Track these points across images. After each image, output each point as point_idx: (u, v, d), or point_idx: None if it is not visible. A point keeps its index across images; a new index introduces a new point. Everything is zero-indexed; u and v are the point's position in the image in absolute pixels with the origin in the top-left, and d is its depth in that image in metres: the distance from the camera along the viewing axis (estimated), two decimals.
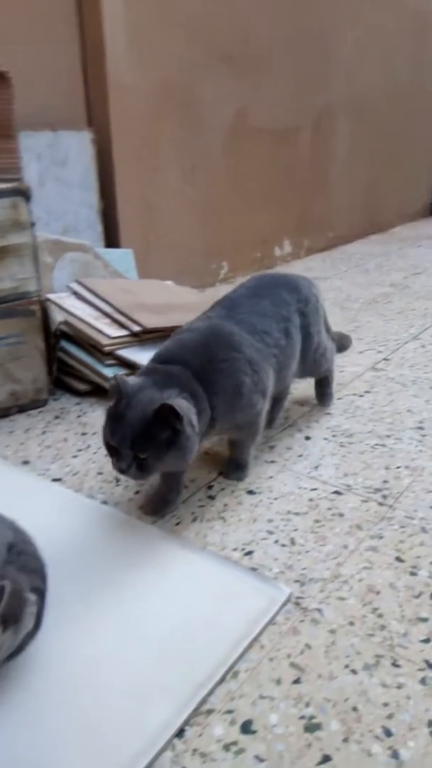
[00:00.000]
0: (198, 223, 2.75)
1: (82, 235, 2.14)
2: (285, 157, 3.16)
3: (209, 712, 0.76)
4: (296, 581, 0.97)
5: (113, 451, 1.01)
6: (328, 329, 1.52)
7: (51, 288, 1.91)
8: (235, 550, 1.05)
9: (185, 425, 1.00)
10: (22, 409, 1.63)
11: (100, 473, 1.31)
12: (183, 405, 1.01)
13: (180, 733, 0.74)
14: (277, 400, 1.46)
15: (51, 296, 1.82)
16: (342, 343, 1.66)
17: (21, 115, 1.55)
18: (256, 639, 0.86)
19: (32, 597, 0.79)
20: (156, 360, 1.15)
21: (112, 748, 0.71)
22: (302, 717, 0.75)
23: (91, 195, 2.17)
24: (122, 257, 2.24)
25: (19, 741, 0.73)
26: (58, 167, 2.04)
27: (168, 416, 0.97)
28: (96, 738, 0.73)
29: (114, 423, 1.01)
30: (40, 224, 1.59)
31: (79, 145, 2.09)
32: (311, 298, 1.41)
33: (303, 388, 1.64)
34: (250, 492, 1.22)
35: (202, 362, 1.11)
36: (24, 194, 1.55)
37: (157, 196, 2.51)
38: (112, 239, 2.29)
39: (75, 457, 1.39)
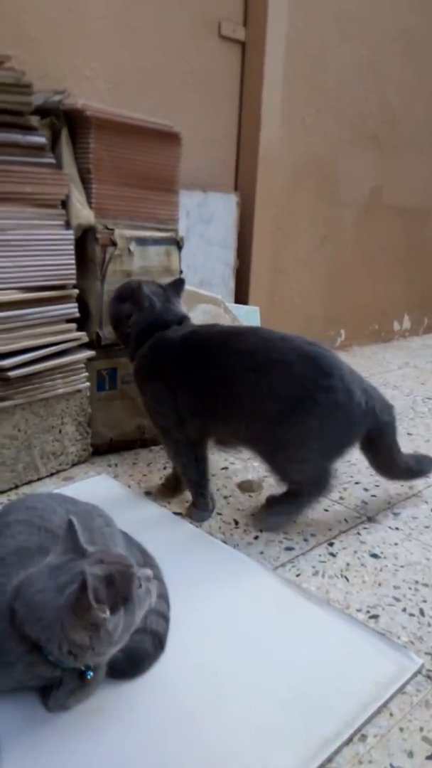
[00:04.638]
0: (321, 291, 2.81)
1: (215, 289, 2.24)
2: (414, 237, 3.19)
3: None
4: (427, 654, 0.91)
5: None
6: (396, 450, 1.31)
7: None
8: (359, 611, 1.02)
9: None
10: (145, 443, 1.68)
11: (219, 513, 1.32)
12: None
13: None
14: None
15: None
16: (420, 467, 1.39)
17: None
18: (384, 705, 0.82)
19: (143, 572, 0.77)
20: None
21: None
22: None
23: (229, 254, 2.29)
24: (249, 313, 2.31)
25: (141, 759, 0.72)
26: (203, 225, 2.17)
27: None
28: None
29: None
30: None
31: (224, 207, 2.22)
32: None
33: None
34: (374, 555, 1.18)
35: None
36: (177, 244, 1.67)
37: (286, 263, 2.61)
38: (241, 296, 2.38)
39: None
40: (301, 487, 1.26)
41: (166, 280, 1.64)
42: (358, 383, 1.22)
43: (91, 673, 0.77)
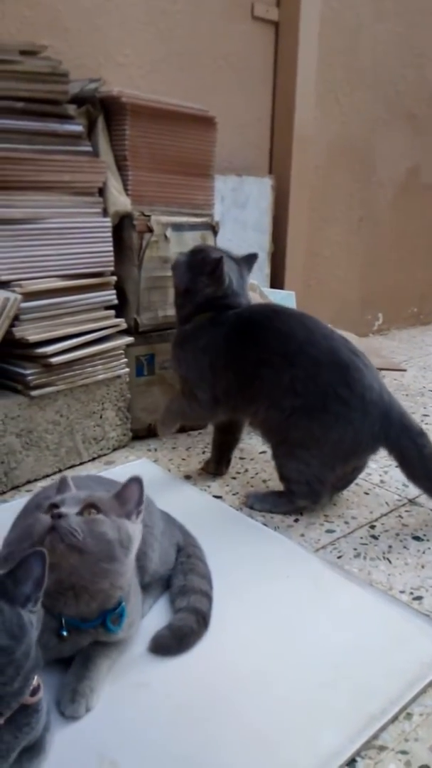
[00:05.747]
0: (358, 274, 2.77)
1: (251, 274, 2.23)
2: None
3: (382, 748, 0.73)
4: None
5: None
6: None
7: None
8: (402, 592, 1.01)
9: None
10: (183, 428, 1.70)
11: None
12: None
13: (351, 762, 0.71)
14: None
15: None
16: None
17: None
18: (430, 684, 0.81)
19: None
20: None
21: (283, 762, 0.70)
22: None
23: (264, 238, 2.27)
24: (285, 298, 2.29)
25: (186, 735, 0.74)
26: (238, 209, 2.16)
27: None
28: (266, 749, 0.72)
29: None
30: None
31: (259, 191, 2.20)
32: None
33: None
34: (417, 538, 1.18)
35: None
36: (213, 229, 1.67)
37: (322, 246, 2.58)
38: (277, 280, 2.36)
39: (234, 478, 1.43)
40: (291, 485, 1.24)
41: None
42: (384, 406, 1.16)
43: (66, 632, 0.77)
